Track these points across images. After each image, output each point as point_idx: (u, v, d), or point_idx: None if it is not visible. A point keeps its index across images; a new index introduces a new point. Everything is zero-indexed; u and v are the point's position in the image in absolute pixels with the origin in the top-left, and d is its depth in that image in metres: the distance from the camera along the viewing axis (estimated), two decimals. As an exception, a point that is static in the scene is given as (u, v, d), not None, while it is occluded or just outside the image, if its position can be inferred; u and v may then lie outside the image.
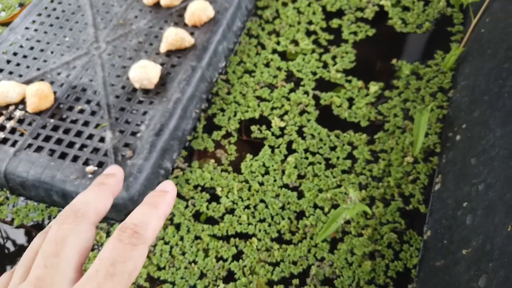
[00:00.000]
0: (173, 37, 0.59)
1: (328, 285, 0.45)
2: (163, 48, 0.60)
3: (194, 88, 0.57)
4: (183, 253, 0.48)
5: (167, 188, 0.22)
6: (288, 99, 0.60)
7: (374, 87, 0.60)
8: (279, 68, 0.64)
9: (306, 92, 0.61)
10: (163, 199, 0.21)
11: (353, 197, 0.44)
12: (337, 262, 0.46)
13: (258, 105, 0.60)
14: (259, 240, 0.48)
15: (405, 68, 0.62)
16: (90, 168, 0.49)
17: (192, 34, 0.62)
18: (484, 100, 0.49)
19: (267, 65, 0.65)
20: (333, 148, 0.55)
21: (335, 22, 0.69)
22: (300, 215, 0.50)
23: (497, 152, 0.41)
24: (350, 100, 0.60)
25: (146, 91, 0.56)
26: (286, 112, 0.59)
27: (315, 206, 0.50)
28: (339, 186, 0.51)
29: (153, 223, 0.19)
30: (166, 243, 0.48)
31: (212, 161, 0.55)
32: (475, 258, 0.36)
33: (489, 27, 0.59)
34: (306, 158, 0.54)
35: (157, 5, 0.67)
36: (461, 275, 0.37)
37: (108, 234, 0.49)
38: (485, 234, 0.37)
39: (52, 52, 0.62)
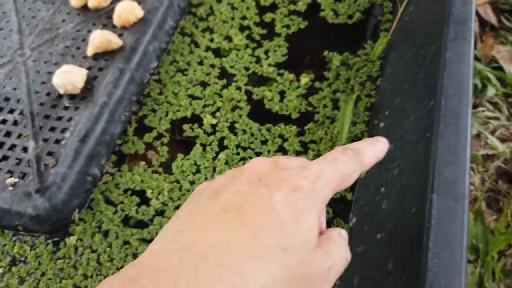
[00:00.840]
0: (99, 39, 0.58)
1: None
2: (89, 52, 0.59)
3: (122, 90, 0.56)
4: (111, 260, 0.47)
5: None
6: (221, 96, 0.60)
7: (305, 79, 0.61)
8: (212, 65, 0.64)
9: (238, 88, 0.61)
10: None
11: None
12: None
13: (190, 104, 0.59)
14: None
15: (335, 59, 0.63)
16: (11, 180, 0.47)
17: (121, 35, 0.61)
18: (403, 87, 0.50)
19: (200, 63, 0.64)
20: (264, 142, 0.55)
21: (268, 16, 0.70)
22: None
23: (410, 137, 0.42)
24: (282, 93, 0.60)
25: (71, 97, 0.55)
26: (218, 109, 0.59)
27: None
28: (270, 179, 0.52)
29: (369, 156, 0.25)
30: (93, 251, 0.47)
31: (143, 163, 0.54)
32: (387, 242, 0.38)
33: (412, 15, 0.60)
34: (238, 153, 0.54)
35: (85, 8, 0.66)
36: (375, 259, 0.38)
37: (32, 248, 0.48)
38: (396, 218, 0.38)
39: (-27, 62, 0.60)
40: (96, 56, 0.59)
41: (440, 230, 0.32)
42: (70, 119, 0.53)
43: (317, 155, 0.53)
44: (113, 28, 0.63)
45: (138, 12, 0.62)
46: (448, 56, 0.43)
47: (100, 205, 0.50)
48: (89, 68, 0.58)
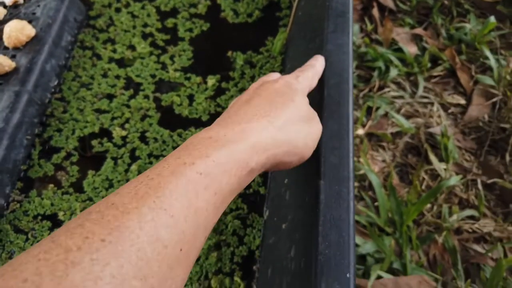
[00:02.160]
0: (-12, 63, 0.55)
1: (182, 283, 0.46)
2: (-20, 77, 0.56)
3: (21, 114, 0.54)
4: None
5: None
6: (129, 107, 0.60)
7: (211, 80, 0.62)
8: (117, 77, 0.63)
9: (146, 96, 0.61)
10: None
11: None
12: (186, 260, 0.47)
13: (98, 118, 0.58)
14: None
15: (239, 59, 0.65)
16: None
17: (14, 57, 0.59)
18: (298, 80, 0.53)
19: (104, 75, 0.63)
20: (175, 148, 0.56)
21: (170, 21, 0.70)
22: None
23: (303, 128, 0.45)
24: (191, 97, 0.61)
25: (-35, 127, 0.52)
26: (127, 120, 0.58)
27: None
28: (184, 184, 0.53)
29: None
30: (5, 283, 0.46)
31: (52, 185, 0.52)
32: (290, 231, 0.40)
33: (304, 10, 0.64)
34: (150, 162, 0.54)
35: (-29, 30, 0.62)
36: (282, 249, 0.41)
37: None
38: (295, 208, 0.40)
39: None
40: (-11, 81, 0.56)
41: (328, 213, 0.35)
42: (-36, 151, 0.50)
43: (228, 154, 0.55)
44: (4, 50, 0.60)
45: (29, 31, 0.60)
46: (329, 48, 0.46)
47: (9, 235, 0.48)
48: (-18, 94, 0.55)
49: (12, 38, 0.59)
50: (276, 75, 0.41)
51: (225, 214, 0.50)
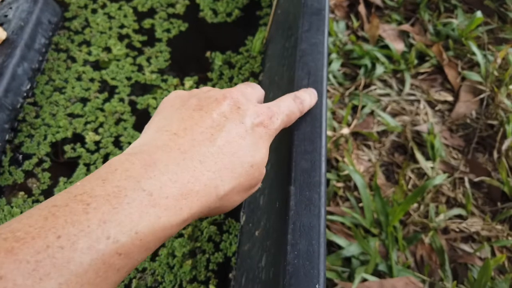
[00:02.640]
0: (-45, 68, 0.53)
1: (155, 293, 0.45)
2: None
3: (-11, 120, 0.52)
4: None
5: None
6: (103, 110, 0.58)
7: (189, 82, 0.61)
8: (92, 80, 0.61)
9: (121, 100, 0.59)
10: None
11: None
12: (159, 269, 0.46)
13: (70, 123, 0.57)
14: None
15: (218, 59, 0.63)
16: None
17: (-17, 60, 0.57)
18: (275, 80, 0.52)
19: (78, 78, 0.61)
20: (151, 153, 0.54)
21: (147, 22, 0.68)
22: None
23: (280, 132, 0.44)
24: (167, 100, 0.59)
25: None
26: (101, 124, 0.57)
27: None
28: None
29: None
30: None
31: (22, 193, 0.51)
32: (262, 238, 0.39)
33: (282, 8, 0.62)
34: (125, 169, 0.53)
35: None
36: (254, 256, 0.39)
37: None
38: (267, 214, 0.39)
39: None
40: (-43, 86, 0.55)
41: (297, 221, 0.33)
42: None
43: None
44: (-26, 53, 0.58)
45: (0, 34, 0.58)
46: (303, 47, 0.44)
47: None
48: (-51, 100, 0.53)
49: (-19, 42, 0.57)
50: (242, 93, 0.31)
51: (200, 220, 0.49)
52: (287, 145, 0.38)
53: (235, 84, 0.60)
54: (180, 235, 0.48)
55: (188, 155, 0.25)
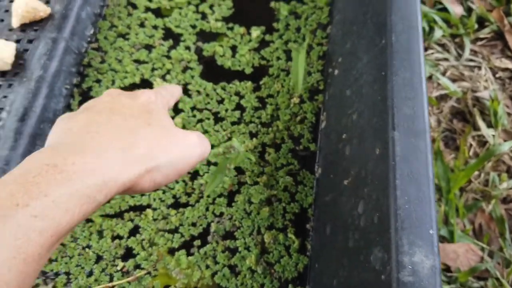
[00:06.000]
0: (23, 8, 0.52)
1: (230, 238, 0.45)
2: (15, 23, 0.53)
3: (58, 62, 0.51)
4: (75, 240, 0.45)
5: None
6: (169, 57, 0.57)
7: (255, 32, 0.58)
8: (155, 27, 0.60)
9: (187, 48, 0.57)
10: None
11: (236, 145, 0.43)
12: (236, 214, 0.45)
13: (137, 69, 0.56)
14: (155, 209, 0.46)
15: (283, 9, 0.61)
16: None
17: (47, 2, 0.56)
18: (353, 30, 0.49)
19: (141, 25, 0.60)
20: (220, 101, 0.53)
21: (209, -30, 0.65)
22: (194, 175, 0.48)
23: (365, 79, 0.41)
24: (233, 48, 0.57)
25: (2, 74, 0.50)
26: (168, 72, 0.55)
27: (208, 163, 0.49)
28: (229, 139, 0.50)
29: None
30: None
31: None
32: (354, 187, 0.37)
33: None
34: (194, 116, 0.52)
35: (3, -26, 0.59)
36: (344, 205, 0.38)
37: None
38: (360, 162, 0.37)
39: None
40: (24, 27, 0.54)
41: (405, 167, 0.32)
42: (4, 98, 0.48)
43: (276, 109, 0.52)
44: (39, -6, 0.57)
45: (64, -26, 0.57)
46: (396, -8, 0.42)
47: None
48: (17, 41, 0.52)
49: (47, -18, 0.56)
50: (133, 93, 0.31)
51: (276, 168, 0.48)
52: (384, 92, 0.36)
53: (303, 35, 0.58)
54: (255, 182, 0.47)
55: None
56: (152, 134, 0.27)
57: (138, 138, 0.26)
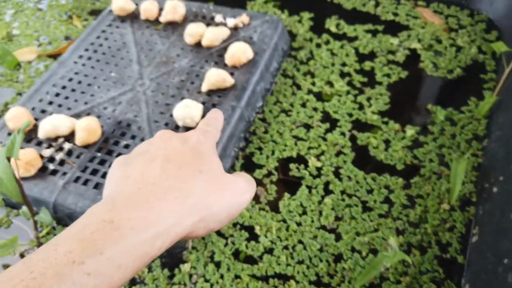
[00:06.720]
0: (215, 77, 0.62)
1: (367, 332, 0.45)
2: (204, 88, 0.63)
3: (233, 127, 0.59)
4: (224, 292, 0.49)
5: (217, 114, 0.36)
6: (325, 139, 0.62)
7: (410, 130, 0.62)
8: (315, 109, 0.66)
9: (342, 133, 0.62)
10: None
11: (393, 244, 0.45)
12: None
13: (296, 144, 0.61)
14: (297, 282, 0.49)
15: (440, 114, 0.63)
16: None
17: (231, 74, 0.65)
18: (522, 152, 0.50)
19: (303, 105, 0.67)
20: (369, 191, 0.56)
21: (367, 64, 0.71)
22: (338, 258, 0.51)
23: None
24: (387, 142, 0.61)
25: (187, 129, 0.59)
26: (322, 153, 0.60)
27: (353, 250, 0.51)
28: (376, 230, 0.52)
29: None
30: (206, 280, 0.49)
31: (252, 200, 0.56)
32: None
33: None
34: (343, 200, 0.55)
35: (198, 45, 0.70)
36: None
37: (149, 270, 0.51)
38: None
39: (98, 87, 0.65)
40: (210, 92, 0.63)
41: None
42: (187, 151, 0.56)
43: (425, 211, 0.53)
44: (224, 66, 0.66)
45: (249, 53, 0.66)
46: None
47: (211, 236, 0.52)
48: (203, 103, 0.61)
49: (234, 58, 0.65)
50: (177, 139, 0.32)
51: (420, 272, 0.49)
52: None
53: (458, 143, 0.60)
54: (397, 281, 0.48)
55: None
56: (205, 182, 0.27)
57: (191, 187, 0.26)
